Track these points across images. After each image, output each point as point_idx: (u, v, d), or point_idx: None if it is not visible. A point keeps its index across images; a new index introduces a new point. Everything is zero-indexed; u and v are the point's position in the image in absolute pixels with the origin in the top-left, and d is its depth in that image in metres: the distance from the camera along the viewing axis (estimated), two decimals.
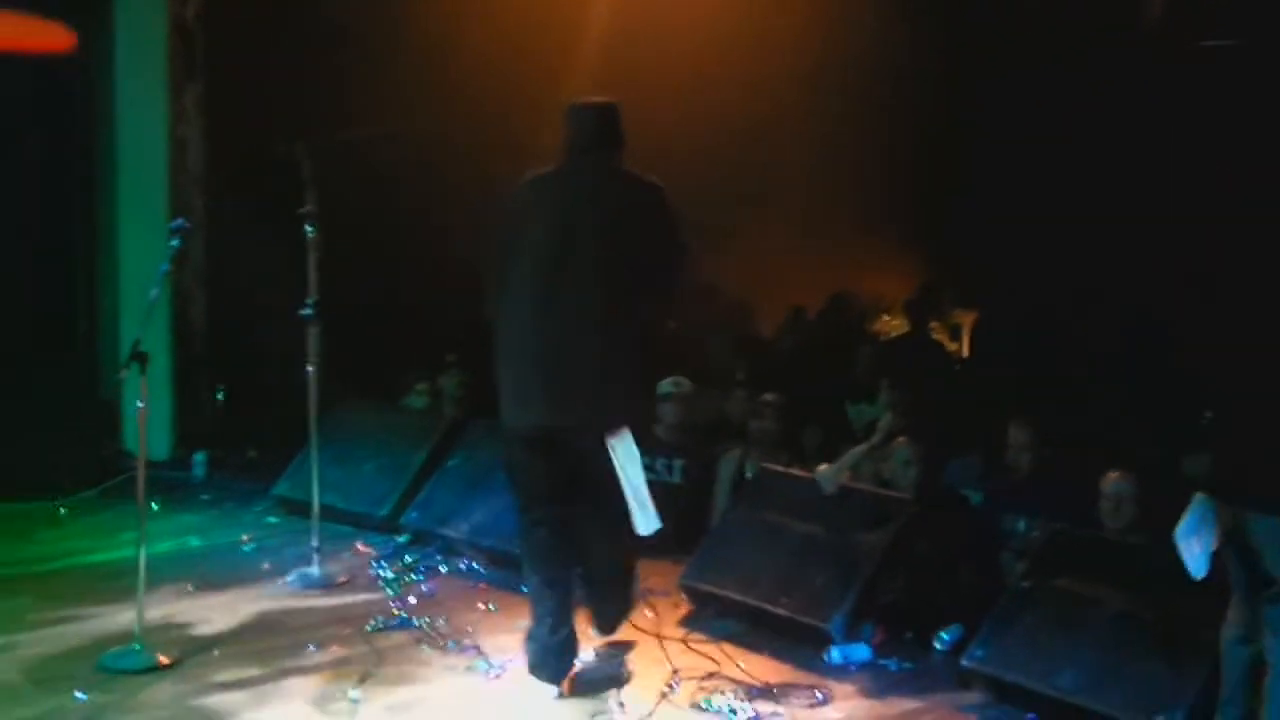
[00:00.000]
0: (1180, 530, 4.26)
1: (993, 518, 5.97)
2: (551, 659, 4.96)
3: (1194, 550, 4.21)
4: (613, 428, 4.78)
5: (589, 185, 4.87)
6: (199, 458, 8.03)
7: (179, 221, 5.66)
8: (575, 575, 5.05)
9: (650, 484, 5.00)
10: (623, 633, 5.47)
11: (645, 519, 4.87)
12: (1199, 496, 4.25)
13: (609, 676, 5.14)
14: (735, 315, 10.85)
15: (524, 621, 5.63)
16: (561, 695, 4.96)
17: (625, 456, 4.81)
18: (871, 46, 10.54)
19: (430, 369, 8.16)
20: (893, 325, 12.18)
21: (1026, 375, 8.11)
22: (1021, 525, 5.80)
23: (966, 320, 12.02)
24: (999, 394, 7.60)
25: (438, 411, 7.74)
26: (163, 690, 4.91)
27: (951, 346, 11.57)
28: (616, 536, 4.99)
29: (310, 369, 6.24)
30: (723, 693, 4.95)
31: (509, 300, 4.83)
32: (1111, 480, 5.64)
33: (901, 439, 6.34)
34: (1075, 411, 7.30)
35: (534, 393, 4.75)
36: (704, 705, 4.87)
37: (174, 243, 5.53)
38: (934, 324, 11.45)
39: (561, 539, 4.95)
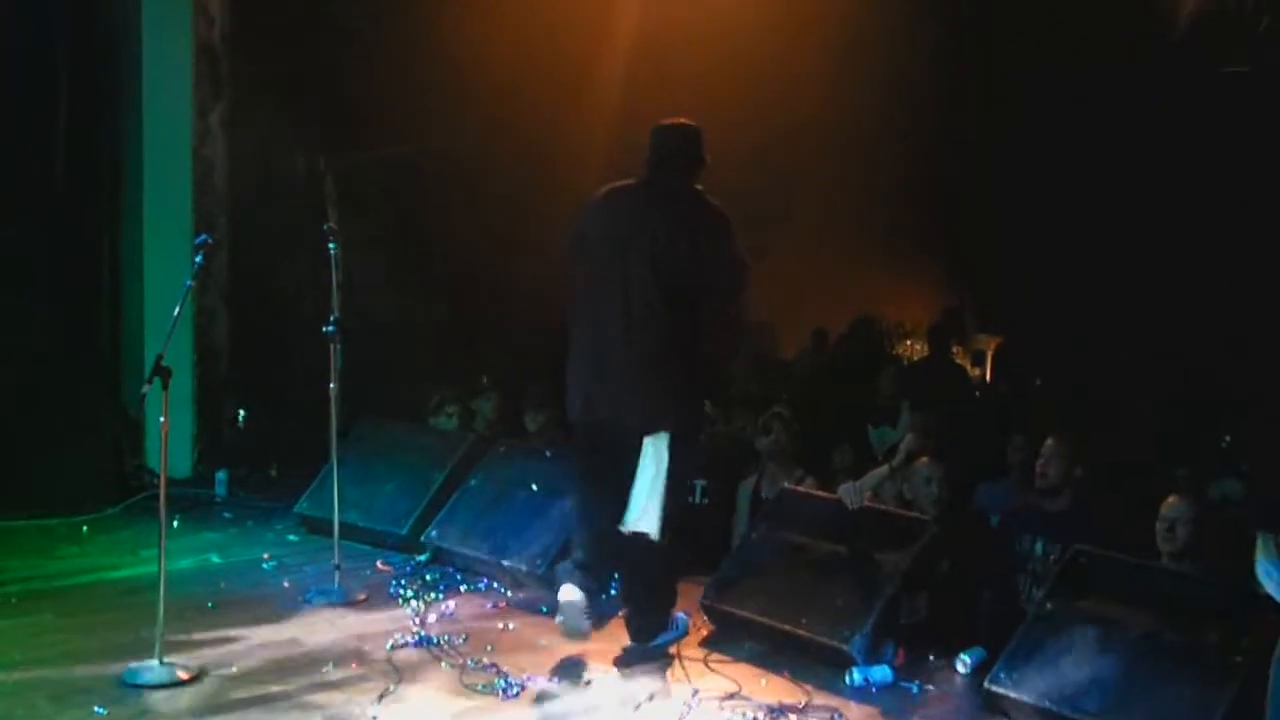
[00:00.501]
0: (1260, 570, 4.26)
1: (1009, 539, 5.92)
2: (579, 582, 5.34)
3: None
4: (653, 427, 5.17)
5: (657, 201, 5.23)
6: (221, 476, 8.04)
7: (203, 237, 5.68)
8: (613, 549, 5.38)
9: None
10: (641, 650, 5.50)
11: (635, 517, 5.21)
12: (1262, 536, 4.24)
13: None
14: (757, 337, 10.84)
15: (543, 641, 5.70)
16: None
17: (652, 456, 5.17)
18: (895, 73, 10.55)
19: (460, 390, 8.15)
20: (915, 350, 12.18)
21: (1053, 397, 8.08)
22: (1039, 547, 5.76)
23: (989, 345, 12.00)
24: (1025, 414, 7.56)
25: (467, 432, 7.72)
26: (182, 705, 4.90)
27: (974, 372, 11.55)
28: (652, 546, 5.28)
29: (332, 386, 6.24)
30: (743, 713, 4.92)
31: (578, 304, 5.32)
32: (1170, 504, 5.57)
33: (924, 459, 6.31)
34: (1106, 433, 7.26)
35: (591, 388, 5.24)
36: None
37: (198, 258, 5.55)
38: (956, 349, 11.44)
39: (605, 513, 5.33)
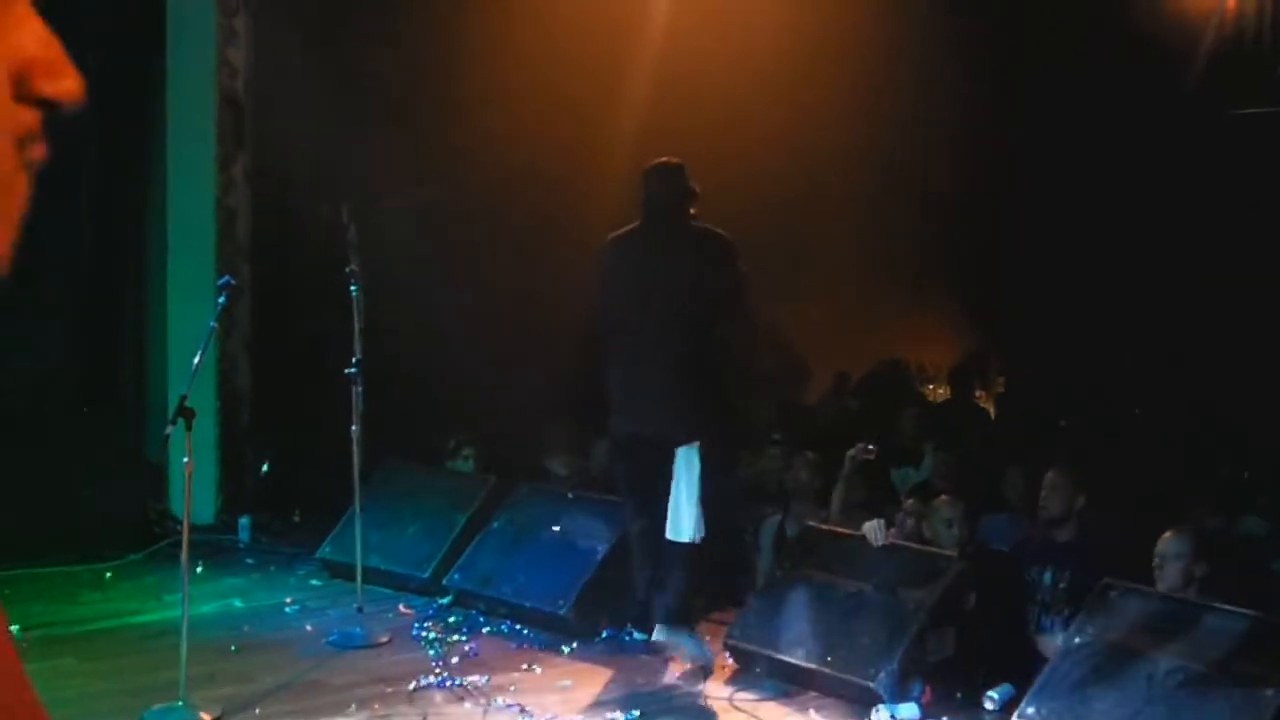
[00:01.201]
0: None
1: (1019, 570, 5.88)
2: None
3: None
4: (682, 439, 5.76)
5: (661, 243, 5.87)
6: (244, 522, 8.04)
7: (226, 278, 5.73)
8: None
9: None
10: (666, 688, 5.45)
11: (676, 526, 5.74)
12: None
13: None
14: (790, 377, 10.77)
15: (566, 681, 5.68)
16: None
17: (684, 466, 5.75)
18: (917, 115, 10.58)
19: (476, 435, 8.13)
20: (937, 394, 12.12)
21: (1062, 428, 8.05)
22: (1048, 577, 5.71)
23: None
24: (1032, 445, 7.53)
25: (488, 475, 7.70)
26: None
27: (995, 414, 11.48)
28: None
29: (355, 428, 6.26)
30: None
31: (611, 341, 5.98)
32: (1166, 540, 5.52)
33: (944, 498, 6.27)
34: (1120, 468, 7.21)
35: (627, 408, 5.91)
36: None
37: (221, 299, 5.60)
38: (980, 393, 11.39)
39: (648, 516, 5.93)
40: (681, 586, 5.80)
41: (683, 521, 5.73)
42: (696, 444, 5.76)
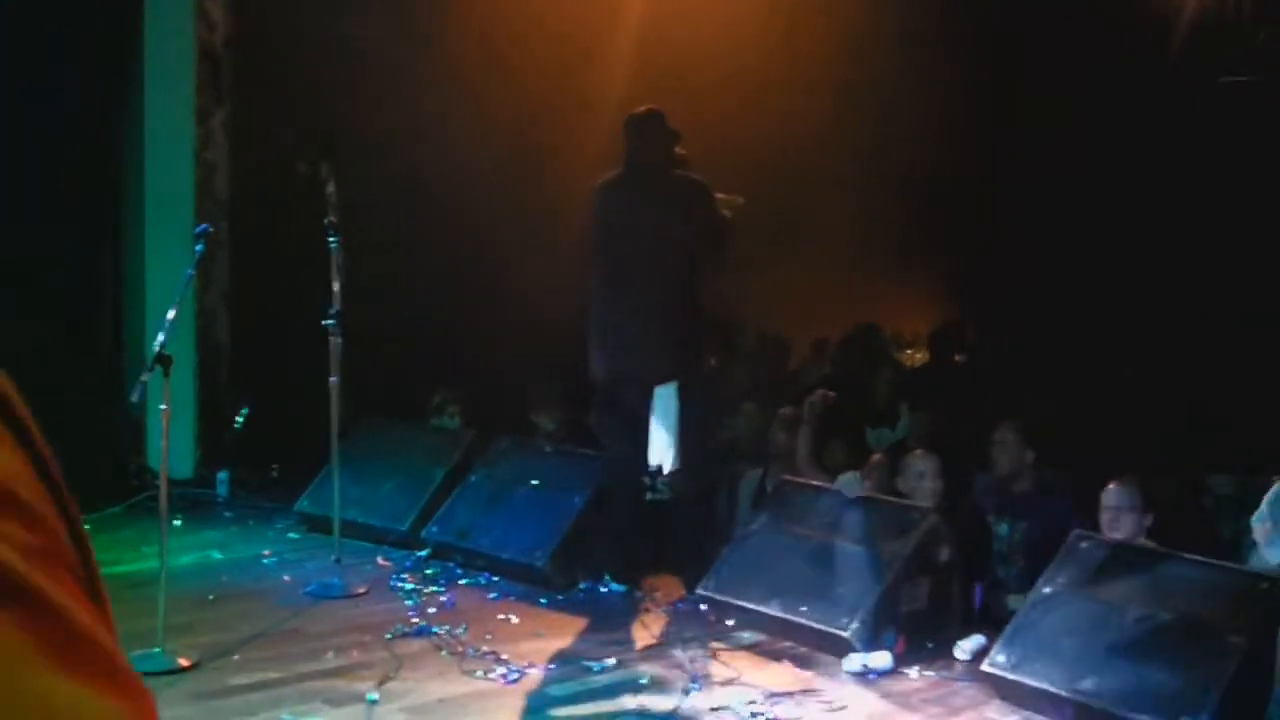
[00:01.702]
0: (1256, 516, 4.28)
1: (983, 522, 5.97)
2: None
3: (1267, 535, 4.21)
4: (659, 379, 6.05)
5: (640, 189, 6.09)
6: (222, 476, 8.05)
7: (204, 226, 5.71)
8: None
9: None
10: (645, 639, 5.53)
11: (656, 457, 6.08)
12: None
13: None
14: (771, 350, 10.79)
15: (542, 631, 5.73)
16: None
17: (663, 405, 6.04)
18: (898, 89, 10.57)
19: (461, 392, 8.15)
20: (915, 360, 12.18)
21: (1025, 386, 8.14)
22: (1004, 529, 5.78)
23: None
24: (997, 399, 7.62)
25: (468, 429, 7.73)
26: (182, 691, 4.91)
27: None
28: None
29: (333, 380, 6.27)
30: (743, 699, 4.93)
31: (595, 283, 6.17)
32: (1110, 491, 5.60)
33: (918, 451, 6.33)
34: (1076, 426, 7.29)
35: (608, 347, 6.13)
36: (724, 709, 4.85)
37: (199, 248, 5.59)
38: (958, 358, 11.45)
39: (625, 458, 6.28)
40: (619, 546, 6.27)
41: (661, 450, 6.08)
42: (675, 384, 6.04)
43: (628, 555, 6.29)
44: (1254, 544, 5.59)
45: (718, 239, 6.25)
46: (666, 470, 6.15)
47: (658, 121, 6.17)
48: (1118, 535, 5.43)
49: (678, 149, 6.21)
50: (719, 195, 6.32)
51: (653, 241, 5.99)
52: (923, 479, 6.16)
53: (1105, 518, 5.52)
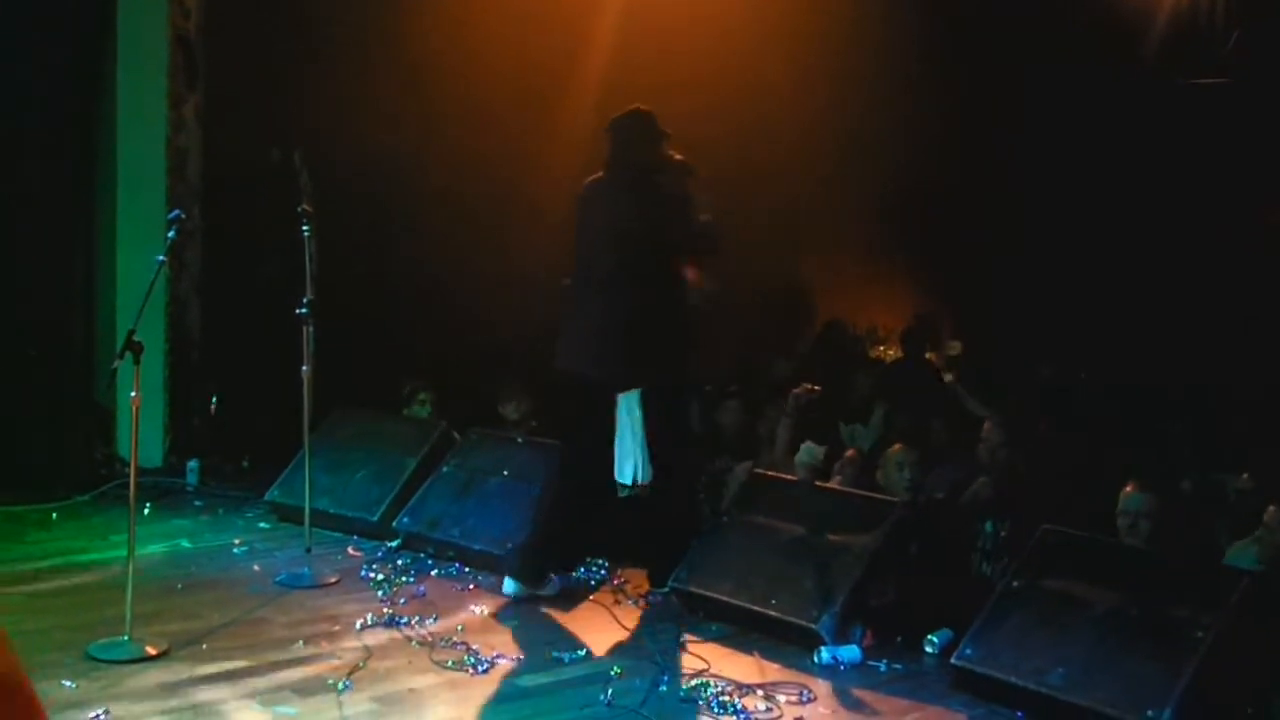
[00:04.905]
0: None
1: (965, 519, 5.99)
2: None
3: None
4: (622, 385, 5.86)
5: (617, 190, 5.92)
6: (192, 465, 8.01)
7: (176, 212, 5.67)
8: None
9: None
10: (616, 631, 5.58)
11: (620, 468, 5.85)
12: None
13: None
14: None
15: (514, 621, 5.74)
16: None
17: (626, 412, 5.84)
18: (876, 83, 10.59)
19: (431, 380, 8.14)
20: (888, 356, 12.23)
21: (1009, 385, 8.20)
22: (989, 526, 5.82)
23: (961, 350, 12.04)
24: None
25: (440, 420, 7.72)
26: (150, 679, 4.90)
27: (947, 377, 11.60)
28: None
29: (305, 369, 6.25)
30: (712, 690, 4.94)
31: (572, 283, 6.02)
32: (1129, 495, 5.65)
33: (897, 446, 6.37)
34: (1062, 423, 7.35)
35: (577, 348, 5.94)
36: (692, 699, 4.86)
37: (171, 234, 5.56)
38: (930, 354, 11.50)
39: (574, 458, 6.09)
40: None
41: (625, 464, 5.84)
42: (638, 391, 5.84)
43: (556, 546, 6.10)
44: (1230, 540, 5.68)
45: (702, 247, 6.05)
46: (641, 482, 5.88)
47: (640, 122, 5.98)
48: (1134, 541, 5.48)
49: (671, 151, 5.99)
50: (689, 167, 6.05)
51: (623, 244, 5.83)
52: (902, 471, 6.20)
53: (1123, 522, 5.58)
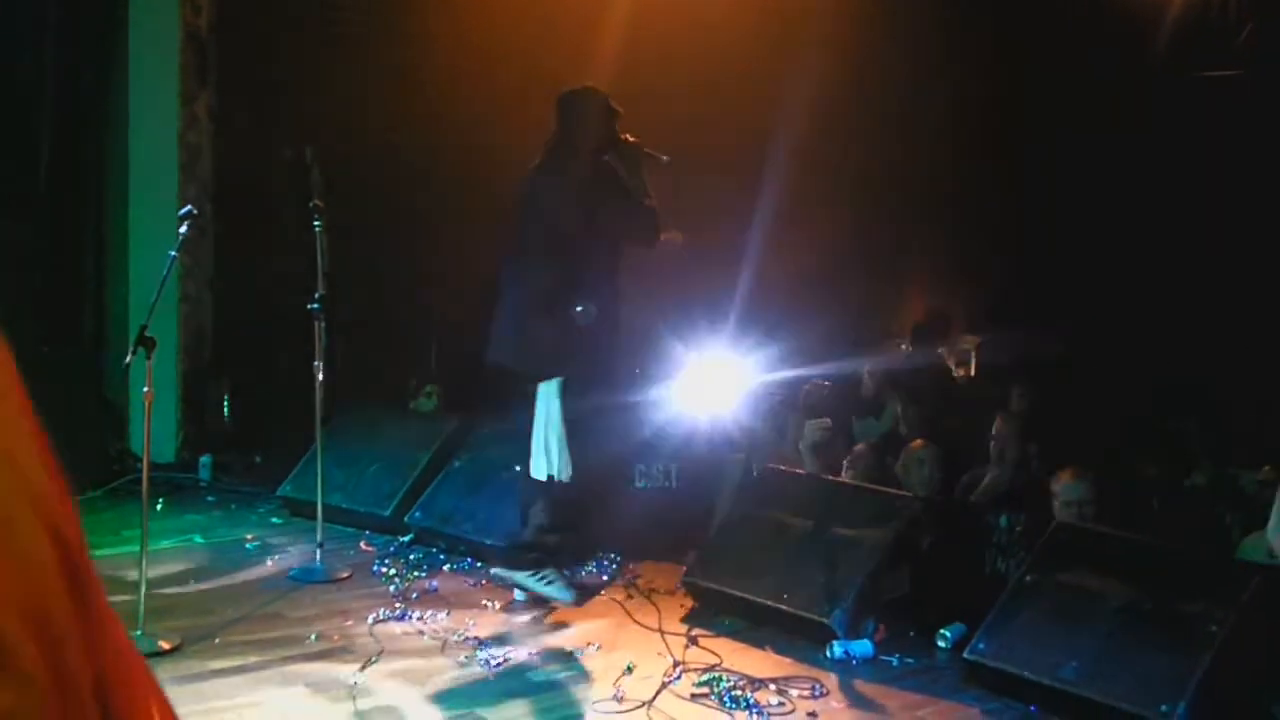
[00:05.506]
0: (1271, 528, 4.33)
1: (978, 514, 5.98)
2: None
3: None
4: (540, 375, 5.56)
5: (546, 175, 5.59)
6: (205, 461, 8.03)
7: (187, 208, 5.67)
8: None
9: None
10: (628, 625, 5.60)
11: (535, 463, 5.57)
12: None
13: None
14: None
15: (528, 615, 5.73)
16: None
17: (543, 402, 5.54)
18: (891, 81, 10.57)
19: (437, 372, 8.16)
20: (900, 351, 12.20)
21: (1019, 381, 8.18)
22: (1004, 520, 5.80)
23: (974, 345, 12.02)
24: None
25: (449, 415, 7.73)
26: (162, 672, 4.88)
27: (959, 372, 11.58)
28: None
29: (317, 364, 6.26)
30: (724, 685, 4.93)
31: (502, 269, 5.74)
32: (1066, 484, 5.65)
33: (919, 442, 6.36)
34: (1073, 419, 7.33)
35: (498, 340, 5.66)
36: (705, 695, 4.86)
37: (182, 230, 5.57)
38: (943, 350, 11.48)
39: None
40: (541, 521, 5.66)
41: (541, 458, 5.54)
42: (556, 381, 5.51)
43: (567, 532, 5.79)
44: (1242, 537, 5.66)
45: (637, 234, 5.62)
46: (559, 479, 5.54)
47: (576, 101, 5.62)
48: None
49: (624, 134, 5.59)
50: (646, 150, 5.64)
51: (544, 230, 5.50)
52: (922, 466, 6.19)
53: (1067, 511, 5.59)
